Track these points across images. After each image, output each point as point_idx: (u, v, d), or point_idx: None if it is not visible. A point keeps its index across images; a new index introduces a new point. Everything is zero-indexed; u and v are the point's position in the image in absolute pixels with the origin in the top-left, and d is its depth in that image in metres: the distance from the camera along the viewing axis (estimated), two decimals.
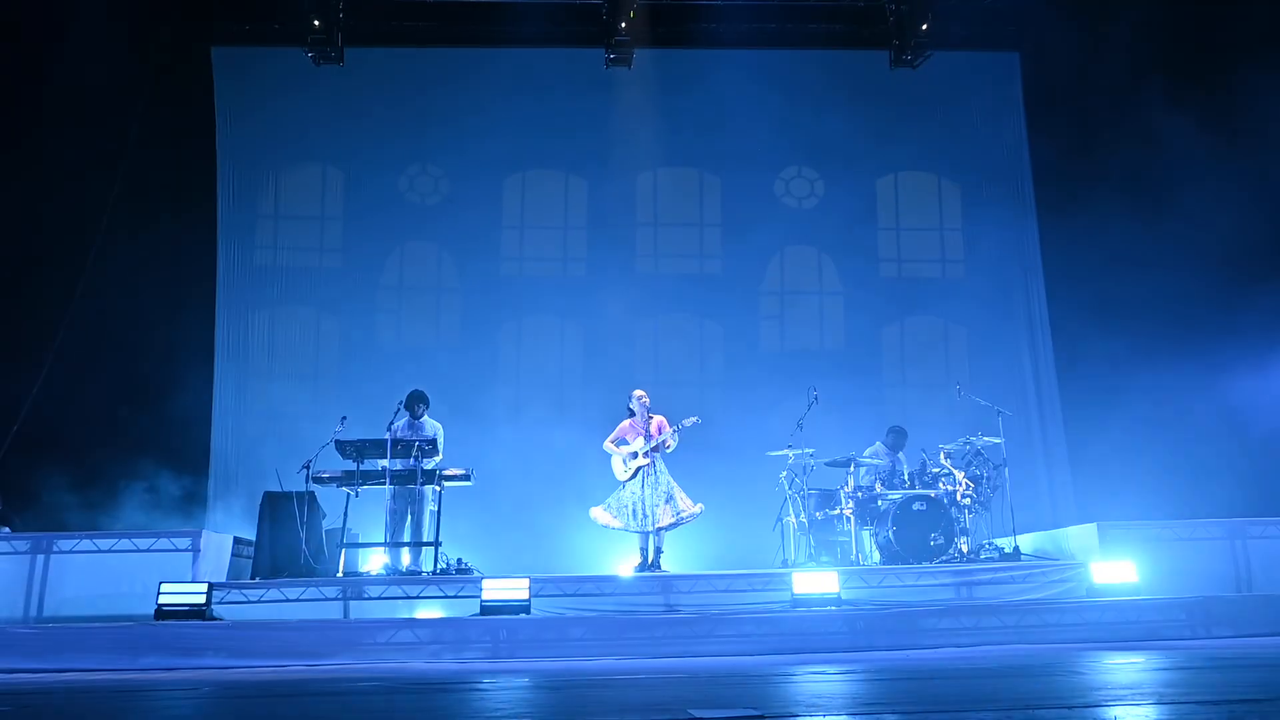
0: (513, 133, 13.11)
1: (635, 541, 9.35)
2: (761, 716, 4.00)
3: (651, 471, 9.19)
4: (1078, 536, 9.06)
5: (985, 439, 9.65)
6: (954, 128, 12.86)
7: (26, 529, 9.16)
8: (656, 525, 9.09)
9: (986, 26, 12.75)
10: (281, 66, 12.90)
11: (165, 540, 8.56)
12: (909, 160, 13.47)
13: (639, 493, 9.14)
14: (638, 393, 9.54)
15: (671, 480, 9.25)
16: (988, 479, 9.53)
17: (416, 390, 9.51)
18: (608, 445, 9.42)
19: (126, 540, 8.55)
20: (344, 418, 9.26)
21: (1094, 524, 8.83)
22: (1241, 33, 11.35)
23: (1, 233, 10.93)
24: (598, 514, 9.28)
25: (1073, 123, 12.50)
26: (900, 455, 10.14)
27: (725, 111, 12.92)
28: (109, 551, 8.43)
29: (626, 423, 9.46)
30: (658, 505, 9.09)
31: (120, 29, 11.32)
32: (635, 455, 9.23)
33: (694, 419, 9.21)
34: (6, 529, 9.19)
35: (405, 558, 9.12)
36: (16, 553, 8.33)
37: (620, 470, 9.29)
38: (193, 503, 10.96)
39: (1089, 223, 12.09)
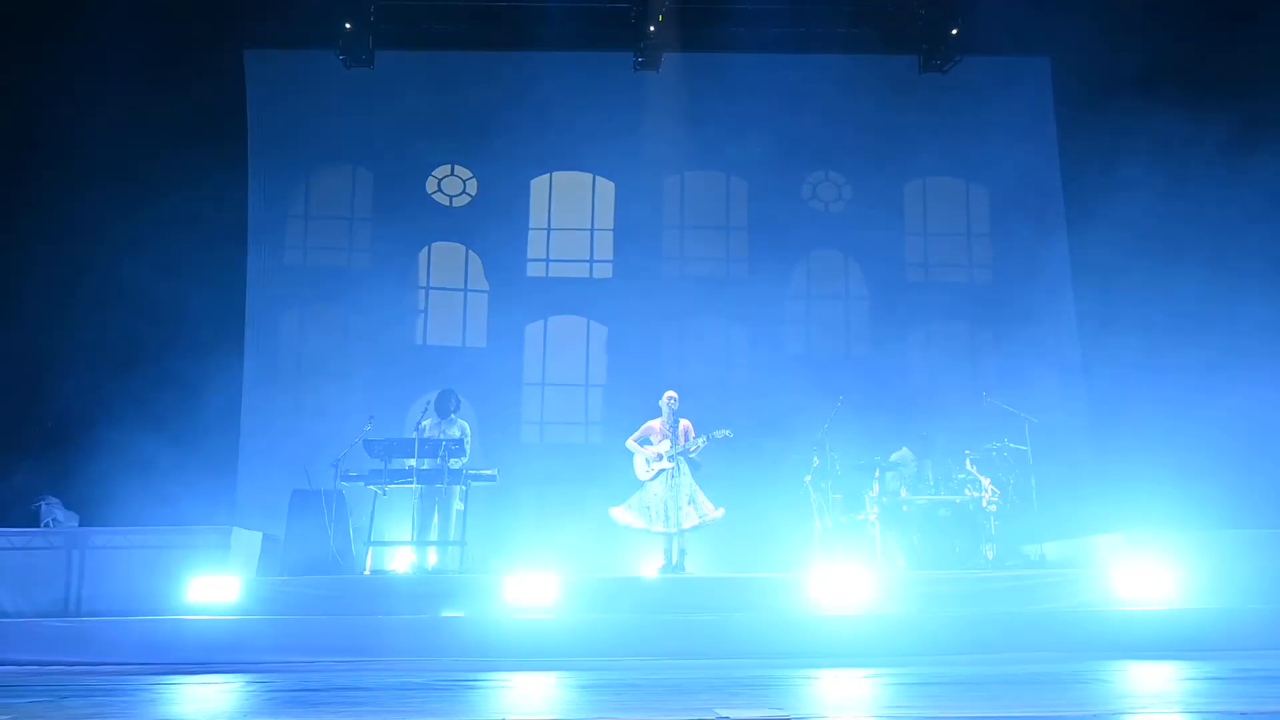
0: (541, 135, 13.22)
1: (659, 543, 9.41)
2: (790, 717, 4.06)
3: (675, 474, 9.25)
4: (1105, 545, 9.03)
5: (1012, 445, 9.64)
6: (983, 133, 12.83)
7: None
8: (680, 526, 9.15)
9: (1017, 32, 12.68)
10: (312, 69, 13.06)
11: (196, 536, 8.70)
12: (937, 165, 13.46)
13: (661, 493, 9.20)
14: (670, 394, 9.60)
15: (694, 483, 9.31)
16: (1014, 486, 9.53)
17: (447, 389, 9.62)
18: (630, 443, 9.48)
19: (158, 536, 8.70)
20: (372, 417, 9.40)
21: (1121, 533, 8.80)
22: (1275, 35, 11.27)
23: (39, 237, 11.15)
24: (619, 514, 9.34)
25: (1104, 129, 12.43)
26: (927, 461, 10.14)
27: (753, 115, 12.96)
28: (141, 547, 8.58)
29: (653, 423, 9.52)
30: (681, 507, 9.16)
31: (152, 31, 11.50)
32: (660, 457, 9.29)
33: (726, 432, 9.25)
34: (58, 501, 9.38)
35: (431, 556, 9.22)
36: (52, 548, 8.51)
37: (642, 470, 9.34)
38: (223, 499, 11.12)
39: (1120, 229, 12.02)
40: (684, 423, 9.46)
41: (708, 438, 9.27)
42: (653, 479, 9.29)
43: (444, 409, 9.50)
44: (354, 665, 7.14)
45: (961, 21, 12.55)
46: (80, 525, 9.14)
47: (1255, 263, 11.27)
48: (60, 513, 9.46)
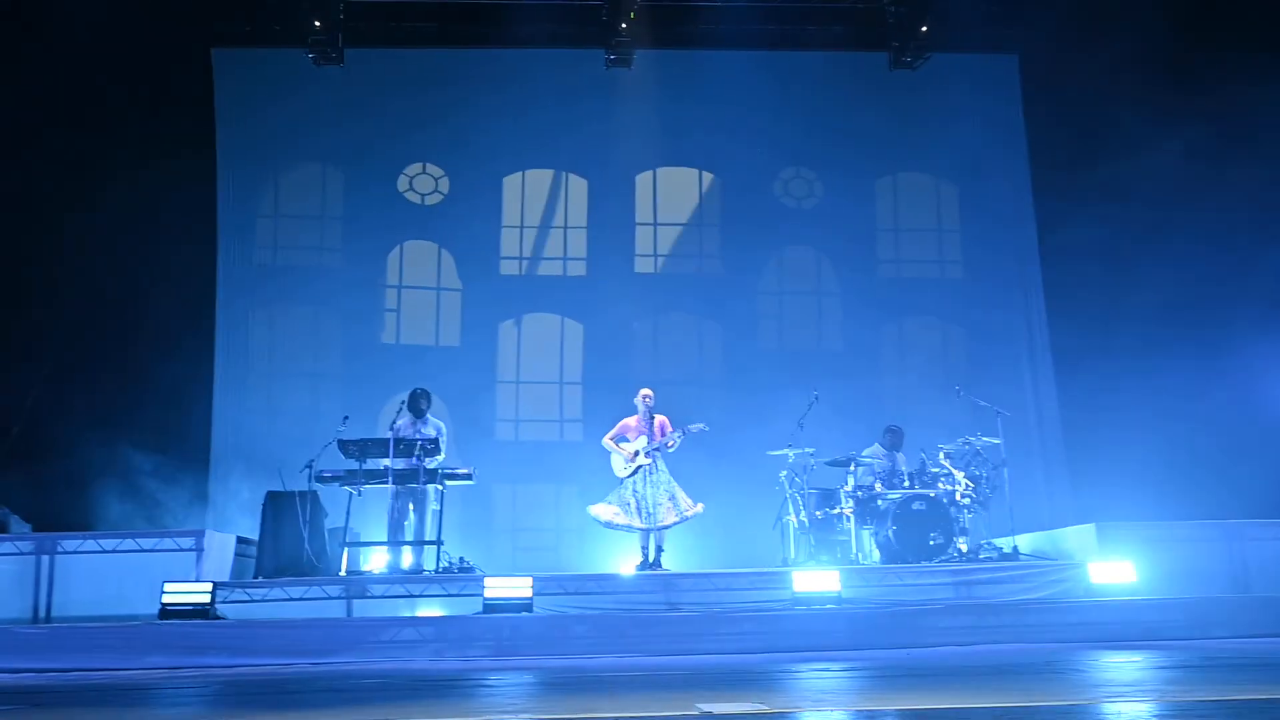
0: (513, 133, 13.20)
1: (636, 540, 9.43)
2: (770, 711, 4.09)
3: (653, 470, 9.27)
4: (1076, 537, 9.15)
5: (984, 439, 9.73)
6: (953, 130, 12.93)
7: (32, 528, 9.20)
8: (659, 523, 9.18)
9: (986, 29, 12.82)
10: (282, 67, 12.96)
11: (169, 540, 8.62)
12: (907, 162, 13.57)
13: (641, 490, 9.21)
14: (645, 391, 9.61)
15: (672, 479, 9.33)
16: (987, 479, 9.62)
17: (419, 389, 9.57)
18: (606, 441, 9.49)
19: (130, 540, 8.60)
20: (346, 417, 9.34)
21: (1092, 524, 8.92)
22: (1242, 36, 11.44)
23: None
24: (599, 510, 9.33)
25: (1071, 125, 12.59)
26: (899, 455, 10.22)
27: (725, 112, 13.02)
28: (113, 552, 8.48)
29: (629, 420, 9.53)
30: (661, 503, 9.18)
31: (118, 29, 11.36)
32: (638, 454, 9.30)
33: (701, 425, 9.28)
34: (8, 510, 9.24)
35: (408, 557, 9.19)
36: (21, 554, 8.38)
37: (620, 467, 9.36)
38: (195, 502, 11.02)
39: (1088, 224, 12.18)
40: (660, 419, 9.49)
41: (683, 432, 9.31)
42: (631, 476, 9.30)
43: (417, 408, 9.46)
44: (329, 665, 7.10)
45: (931, 19, 12.65)
46: (46, 531, 8.98)
47: (1226, 258, 11.45)
48: (15, 523, 9.31)
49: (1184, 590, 8.22)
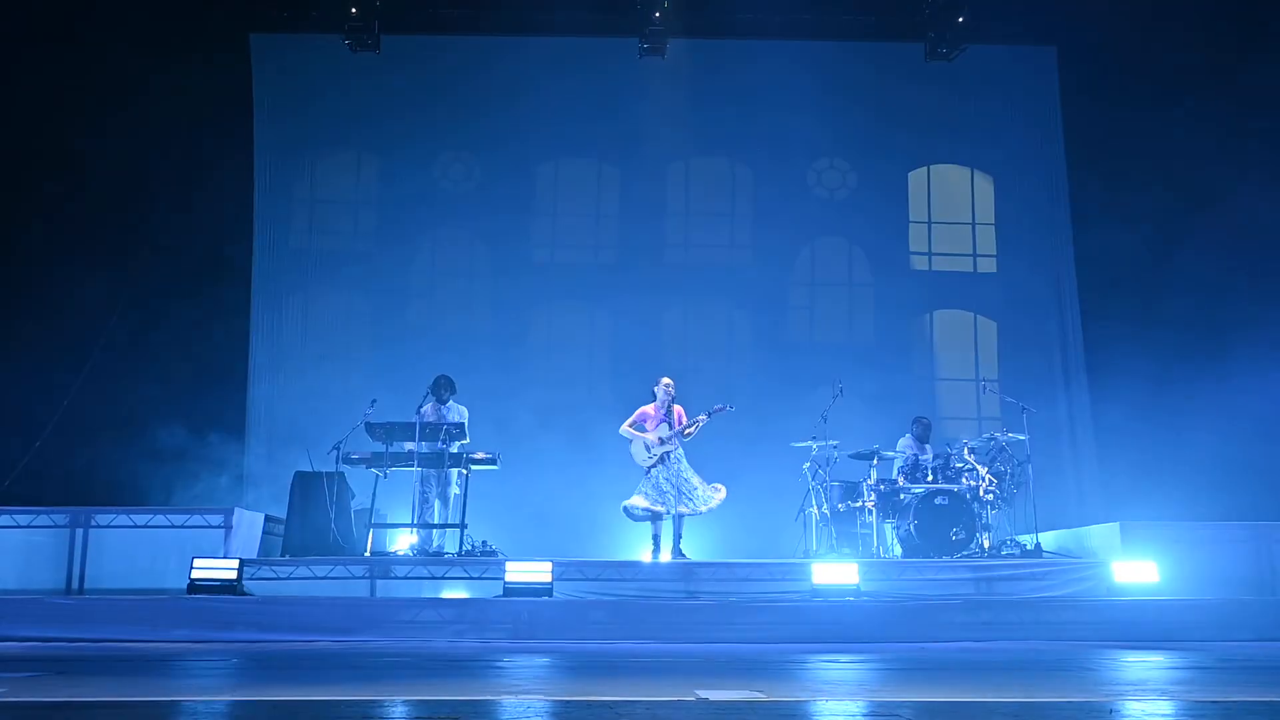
0: (546, 121, 13.25)
1: (652, 530, 9.42)
2: (766, 699, 4.14)
3: (674, 458, 9.29)
4: (1100, 535, 9.09)
5: (1010, 435, 9.68)
6: (988, 121, 12.83)
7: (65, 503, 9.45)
8: (696, 508, 9.17)
9: (1023, 20, 12.68)
10: (319, 53, 13.12)
11: (199, 517, 8.83)
12: (942, 153, 13.47)
13: (671, 476, 9.24)
14: (666, 380, 9.61)
15: (691, 470, 9.33)
16: (1012, 475, 9.57)
17: (443, 376, 9.69)
18: (625, 429, 9.49)
19: (161, 516, 8.82)
20: (374, 400, 9.47)
21: (1116, 523, 8.85)
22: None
23: (46, 221, 11.26)
24: (635, 501, 9.33)
25: (1109, 117, 12.41)
26: (926, 448, 10.20)
27: (758, 102, 12.99)
28: (145, 527, 8.70)
29: (647, 408, 9.54)
30: (695, 488, 9.20)
31: (158, 13, 11.58)
32: (661, 442, 9.33)
33: (723, 406, 9.29)
34: None
35: (432, 539, 9.32)
36: (56, 526, 8.63)
37: (642, 455, 9.37)
38: (226, 481, 11.24)
39: (1125, 219, 12.04)
40: (677, 409, 9.50)
41: (708, 414, 9.32)
42: (655, 465, 9.33)
43: (440, 394, 9.59)
44: (351, 643, 7.24)
45: (968, 9, 12.53)
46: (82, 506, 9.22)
47: (1266, 257, 11.26)
48: None
49: (1208, 592, 8.14)
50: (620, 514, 9.58)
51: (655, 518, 9.32)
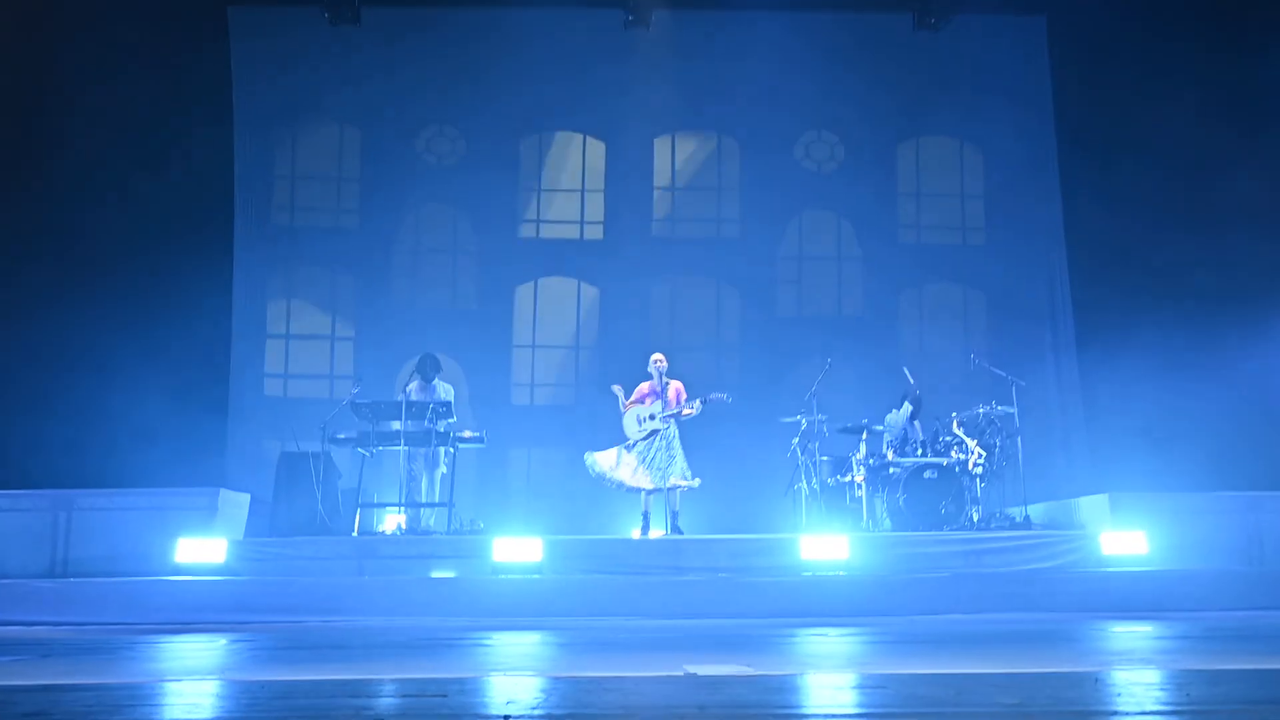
0: (530, 94, 13.17)
1: (638, 504, 9.42)
2: (755, 673, 4.17)
3: (665, 436, 9.26)
4: (1089, 507, 9.15)
5: (1000, 408, 9.71)
6: (978, 93, 12.79)
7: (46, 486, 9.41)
8: (658, 485, 9.11)
9: None
10: (298, 26, 12.94)
11: (184, 497, 8.80)
12: (931, 125, 13.45)
13: (647, 454, 9.21)
14: (656, 356, 9.58)
15: (680, 449, 9.29)
16: (1001, 448, 9.61)
17: (428, 354, 9.67)
18: (624, 405, 9.44)
19: (145, 497, 8.79)
20: (360, 379, 9.46)
21: (1106, 495, 8.92)
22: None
23: (17, 189, 11.13)
24: (600, 458, 9.25)
25: (1100, 88, 12.37)
26: (915, 423, 10.23)
27: (745, 74, 12.93)
28: (128, 509, 8.67)
29: (644, 386, 9.54)
30: (666, 467, 9.16)
31: None
32: (653, 417, 9.32)
33: (723, 396, 9.23)
34: None
35: (420, 518, 9.34)
36: (38, 509, 8.59)
37: (633, 429, 9.35)
38: (212, 461, 11.20)
39: (1115, 190, 12.03)
40: (674, 384, 9.45)
41: (704, 401, 9.26)
42: (643, 439, 9.31)
43: (427, 373, 9.57)
44: (340, 625, 7.26)
45: None
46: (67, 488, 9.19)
47: (1257, 227, 11.28)
48: None
49: (1197, 562, 8.22)
50: (608, 491, 9.54)
51: (631, 490, 9.27)
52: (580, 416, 12.55)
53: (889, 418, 10.15)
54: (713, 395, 9.26)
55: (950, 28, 12.85)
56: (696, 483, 9.21)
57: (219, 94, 12.74)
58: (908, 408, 10.17)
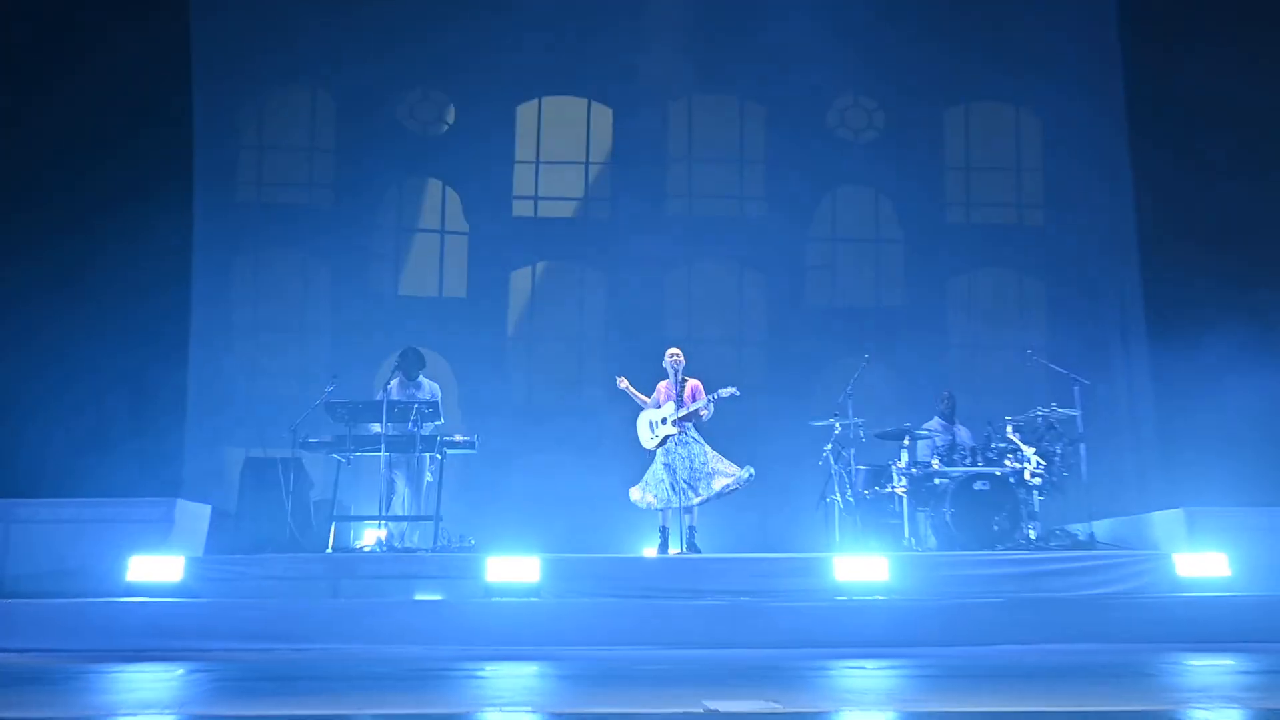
0: (528, 53, 13.20)
1: (658, 522, 9.46)
2: (783, 711, 4.17)
3: (683, 441, 9.26)
4: (1162, 524, 9.12)
5: (1060, 411, 9.68)
6: (1036, 52, 12.77)
7: None
8: (696, 499, 9.15)
9: None
10: None
11: (136, 509, 8.83)
12: (983, 89, 13.45)
13: (671, 462, 9.22)
14: (672, 351, 9.57)
15: (708, 449, 9.29)
16: (1061, 457, 9.57)
17: (410, 349, 9.66)
18: (622, 383, 9.44)
19: (93, 509, 8.82)
20: (335, 376, 9.46)
21: (1181, 509, 8.89)
22: None
23: None
24: (635, 494, 9.38)
25: (1177, 46, 12.30)
26: (961, 428, 10.21)
27: (771, 31, 12.92)
28: (74, 521, 8.70)
29: (661, 385, 9.54)
30: (699, 478, 9.17)
31: None
32: (664, 421, 9.33)
33: (732, 390, 9.23)
34: None
35: (402, 533, 9.35)
36: None
37: (646, 436, 9.37)
38: (166, 468, 11.23)
39: (1194, 165, 11.96)
40: (691, 383, 9.44)
41: (711, 399, 9.28)
42: (660, 447, 9.32)
43: (409, 369, 9.57)
44: (312, 653, 7.27)
45: None
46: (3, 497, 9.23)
47: None
48: None
49: None
50: (616, 502, 9.60)
51: (664, 509, 9.31)
52: (584, 419, 12.57)
53: (926, 426, 10.15)
54: (721, 391, 9.25)
55: None
56: (748, 473, 9.17)
57: (174, 55, 12.75)
58: (936, 422, 10.17)
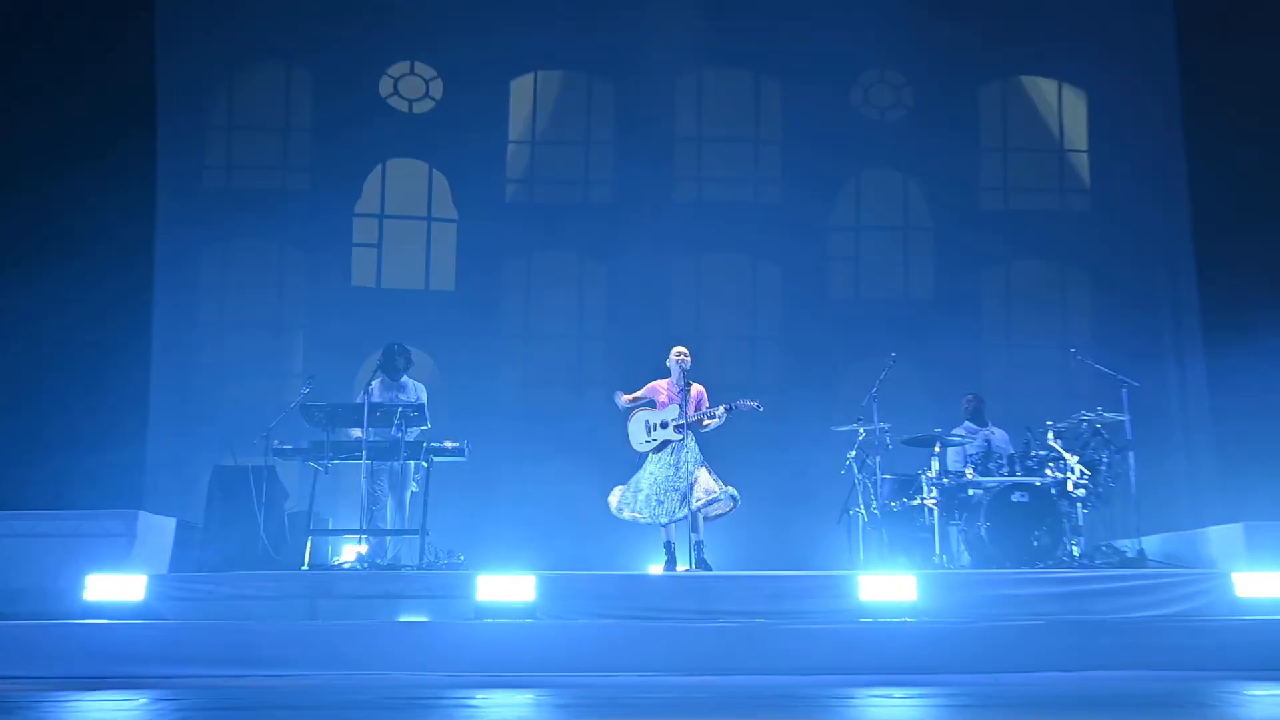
0: (522, 23, 13.19)
1: (661, 537, 9.45)
2: None
3: (680, 449, 9.24)
4: (1219, 539, 9.13)
5: (1107, 416, 9.67)
6: (1080, 22, 12.76)
7: None
8: (675, 516, 9.13)
9: None
10: None
11: (94, 523, 8.86)
12: (1021, 63, 13.45)
13: (658, 474, 9.21)
14: (678, 349, 9.54)
15: (701, 461, 9.25)
16: (1108, 466, 9.56)
17: (395, 345, 9.67)
18: (625, 400, 9.39)
19: (46, 522, 8.84)
20: (311, 377, 9.48)
21: (1240, 524, 8.88)
22: None
23: None
24: (614, 499, 9.37)
25: (1234, 17, 12.28)
26: (997, 431, 10.21)
27: None
28: (24, 536, 8.72)
29: (659, 384, 9.49)
30: (682, 489, 9.13)
31: None
32: (665, 425, 9.31)
33: (754, 403, 9.19)
34: None
35: (385, 548, 9.37)
36: None
37: (640, 438, 9.33)
38: (126, 477, 11.23)
39: (1254, 141, 11.92)
40: (696, 388, 9.43)
41: (730, 407, 9.23)
42: (653, 451, 9.29)
43: (392, 368, 9.57)
44: (287, 680, 7.28)
45: None
46: None
47: None
48: None
49: None
50: (618, 516, 9.58)
51: (635, 521, 9.30)
52: (583, 424, 12.57)
53: (956, 431, 10.13)
54: (741, 402, 9.21)
55: None
56: (728, 494, 9.13)
57: (135, 28, 12.75)
58: (965, 427, 10.17)
